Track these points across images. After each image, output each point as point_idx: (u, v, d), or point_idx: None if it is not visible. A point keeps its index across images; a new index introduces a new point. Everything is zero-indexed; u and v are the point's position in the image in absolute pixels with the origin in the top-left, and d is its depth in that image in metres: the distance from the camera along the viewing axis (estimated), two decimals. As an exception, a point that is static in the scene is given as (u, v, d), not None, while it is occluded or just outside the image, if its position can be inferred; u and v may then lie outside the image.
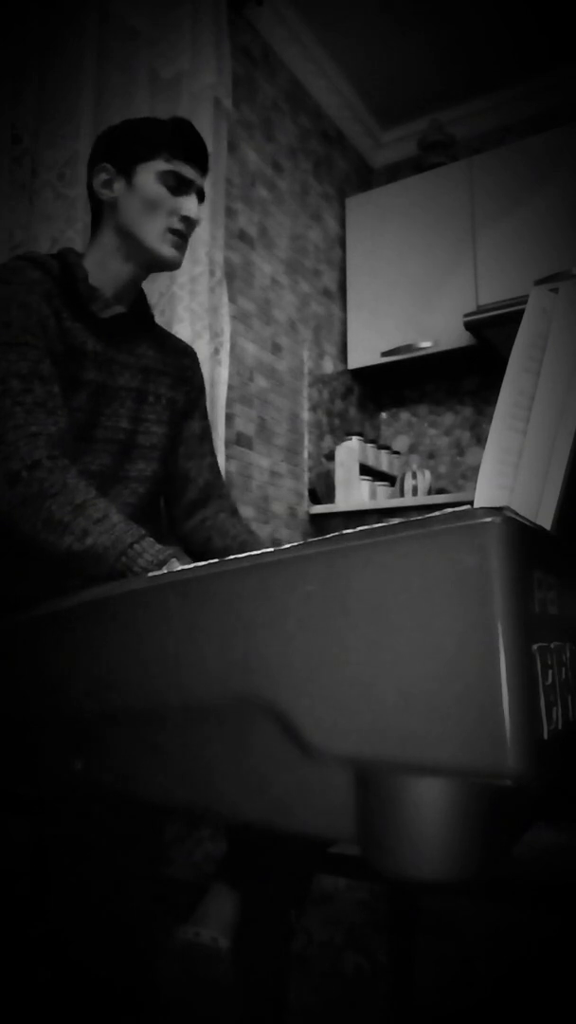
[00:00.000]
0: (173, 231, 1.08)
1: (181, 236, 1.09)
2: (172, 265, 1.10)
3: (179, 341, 1.28)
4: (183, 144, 1.08)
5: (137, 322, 1.16)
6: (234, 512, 1.26)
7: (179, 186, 1.07)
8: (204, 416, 1.29)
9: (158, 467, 1.16)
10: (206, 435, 1.28)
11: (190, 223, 1.09)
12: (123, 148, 1.08)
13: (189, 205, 1.08)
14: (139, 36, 1.83)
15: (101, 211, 1.11)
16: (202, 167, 1.11)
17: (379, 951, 1.37)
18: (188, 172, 1.08)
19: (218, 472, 1.29)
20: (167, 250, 1.08)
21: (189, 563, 0.79)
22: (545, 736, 0.43)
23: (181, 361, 1.24)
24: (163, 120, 1.11)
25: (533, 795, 0.55)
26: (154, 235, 1.07)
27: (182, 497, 1.24)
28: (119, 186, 1.08)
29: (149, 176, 1.06)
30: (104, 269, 1.09)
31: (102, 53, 1.71)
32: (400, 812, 0.45)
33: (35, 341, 0.96)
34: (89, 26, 1.67)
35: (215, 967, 0.85)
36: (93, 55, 1.67)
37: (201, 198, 1.11)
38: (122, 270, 1.10)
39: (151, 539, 0.85)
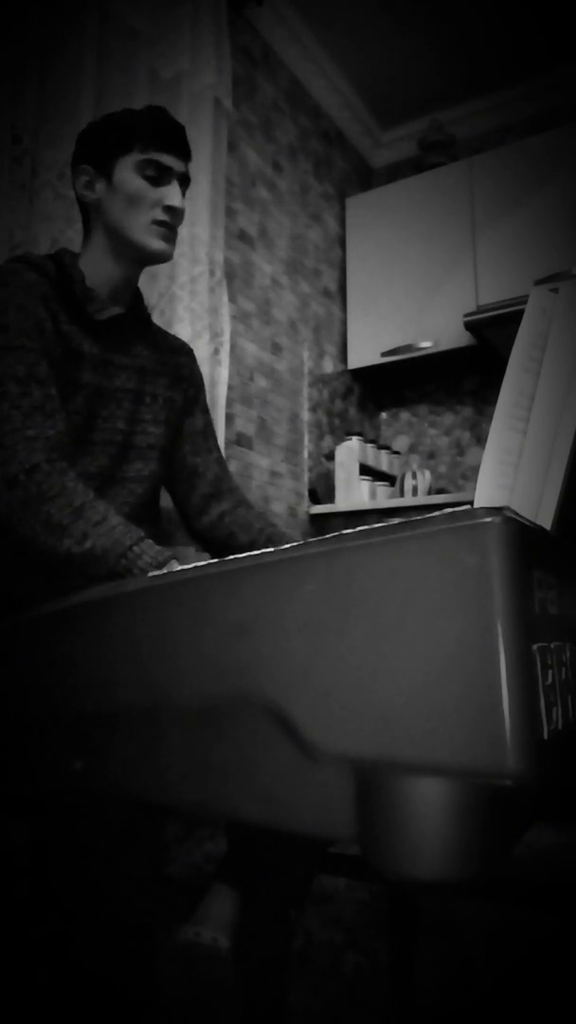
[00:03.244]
0: (159, 223, 1.05)
1: (168, 227, 1.07)
2: (162, 258, 1.09)
3: (175, 339, 1.28)
4: (158, 132, 1.05)
5: (134, 322, 1.15)
6: (248, 505, 1.26)
7: (159, 176, 1.05)
8: (205, 411, 1.28)
9: (156, 467, 1.15)
10: (209, 430, 1.28)
11: (175, 213, 1.06)
12: (99, 146, 1.07)
13: (172, 194, 1.05)
14: (139, 36, 1.83)
15: (88, 213, 1.10)
16: (181, 153, 1.08)
17: (379, 951, 1.37)
18: (166, 160, 1.05)
19: (225, 466, 1.28)
20: (155, 243, 1.06)
21: (189, 563, 0.79)
22: (545, 736, 0.43)
23: (178, 359, 1.23)
24: (136, 110, 1.09)
25: (533, 795, 0.55)
26: (140, 230, 1.05)
27: (193, 493, 1.23)
28: (100, 186, 1.07)
29: (127, 171, 1.05)
30: (98, 270, 1.08)
31: (102, 53, 1.71)
32: (400, 812, 0.45)
33: (32, 344, 0.96)
34: (89, 26, 1.67)
35: (215, 967, 0.85)
36: (93, 55, 1.67)
37: (185, 184, 1.09)
38: (115, 270, 1.09)
39: (150, 541, 0.85)
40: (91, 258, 1.09)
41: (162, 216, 1.05)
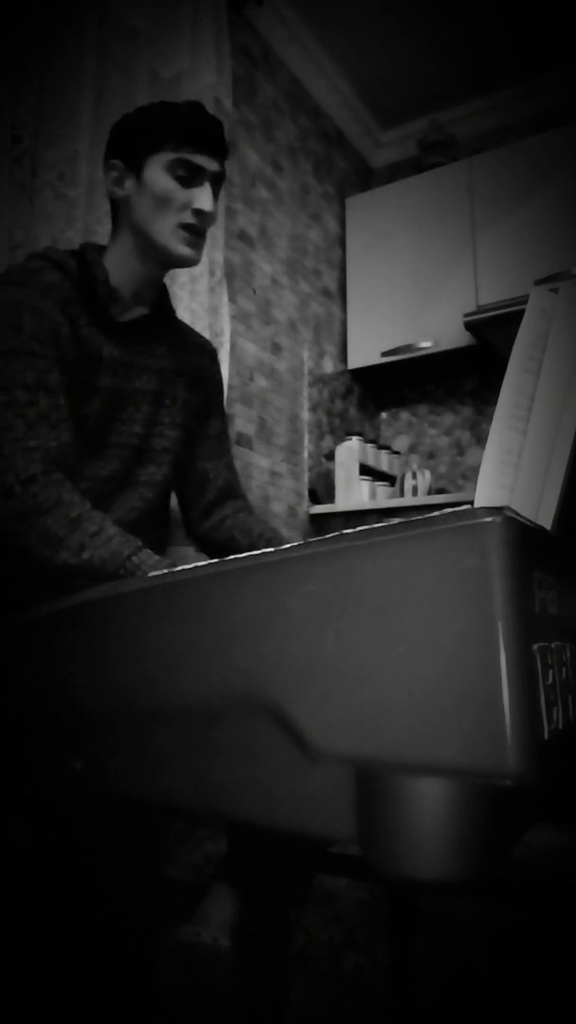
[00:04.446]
0: (186, 226, 1.02)
1: (196, 232, 1.03)
2: (189, 263, 1.05)
3: (199, 338, 1.25)
4: (192, 130, 1.01)
5: (157, 323, 1.13)
6: (250, 509, 1.26)
7: (190, 176, 1.01)
8: (222, 415, 1.26)
9: (168, 471, 1.14)
10: (224, 434, 1.26)
11: (204, 216, 1.02)
12: (131, 142, 1.03)
13: (202, 197, 1.01)
14: (139, 36, 1.83)
15: (117, 209, 1.07)
16: (216, 153, 1.03)
17: (379, 951, 1.37)
18: (199, 160, 1.01)
19: (234, 470, 1.27)
20: (181, 248, 1.03)
21: (188, 563, 0.78)
22: (545, 736, 0.43)
23: (201, 361, 1.21)
24: (174, 105, 1.05)
25: (533, 795, 0.55)
26: (166, 233, 1.02)
27: (200, 498, 1.22)
28: (130, 183, 1.03)
29: (158, 169, 1.01)
30: (123, 268, 1.06)
31: (102, 53, 1.71)
32: (400, 812, 0.45)
33: (44, 350, 0.94)
34: (89, 26, 1.67)
35: (216, 967, 0.85)
36: (93, 55, 1.67)
37: (219, 184, 1.05)
38: (139, 269, 1.06)
39: (148, 550, 0.84)
40: (117, 255, 1.06)
41: (190, 219, 1.02)
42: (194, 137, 1.01)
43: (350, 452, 2.73)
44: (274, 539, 1.19)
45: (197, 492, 1.22)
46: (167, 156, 1.01)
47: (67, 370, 0.98)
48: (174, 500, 1.25)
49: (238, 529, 1.21)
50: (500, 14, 2.68)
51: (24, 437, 0.88)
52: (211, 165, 1.03)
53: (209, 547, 1.23)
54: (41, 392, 0.92)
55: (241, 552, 1.20)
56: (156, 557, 0.83)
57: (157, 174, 1.01)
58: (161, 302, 1.14)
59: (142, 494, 1.10)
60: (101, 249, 1.08)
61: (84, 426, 1.01)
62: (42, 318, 0.95)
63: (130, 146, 1.03)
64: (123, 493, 1.08)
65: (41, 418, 0.90)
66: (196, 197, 1.02)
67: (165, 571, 0.79)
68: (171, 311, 1.18)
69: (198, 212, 1.02)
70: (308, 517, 2.69)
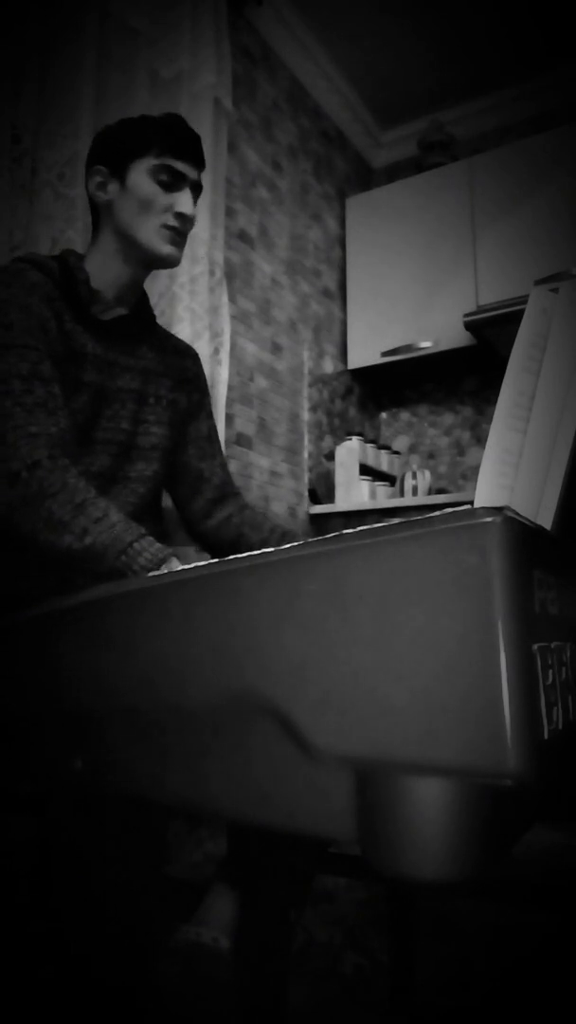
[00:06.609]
0: (168, 228, 1.07)
1: (178, 233, 1.08)
2: (171, 262, 1.10)
3: (180, 342, 1.28)
4: (173, 138, 1.07)
5: (138, 324, 1.16)
6: (252, 508, 1.27)
7: (172, 182, 1.06)
8: (210, 416, 1.29)
9: (158, 467, 1.16)
10: (213, 435, 1.28)
11: (185, 220, 1.08)
12: (114, 148, 1.08)
13: (183, 201, 1.07)
14: (139, 36, 1.83)
15: (99, 213, 1.11)
16: (195, 161, 1.09)
17: (379, 951, 1.37)
18: (180, 167, 1.07)
19: (227, 470, 1.29)
20: (165, 247, 1.07)
21: (189, 563, 0.79)
22: (545, 736, 0.43)
23: (182, 362, 1.24)
24: (154, 116, 1.10)
25: (533, 795, 0.55)
26: (150, 233, 1.06)
27: (199, 497, 1.24)
28: (113, 188, 1.08)
29: (141, 175, 1.06)
30: (105, 271, 1.09)
31: (102, 53, 1.71)
32: (400, 812, 0.45)
33: (35, 343, 0.96)
34: (89, 26, 1.67)
35: (216, 967, 0.85)
36: (93, 55, 1.67)
37: (197, 193, 1.10)
38: (122, 271, 1.10)
39: (150, 538, 0.85)
40: (98, 258, 1.10)
41: (172, 222, 1.07)
42: (176, 145, 1.07)
43: (350, 452, 2.73)
44: (288, 533, 1.20)
45: (193, 492, 1.24)
46: (150, 162, 1.06)
47: (57, 364, 1.00)
48: (166, 499, 1.26)
49: (248, 525, 1.22)
50: (500, 14, 2.68)
51: (25, 424, 0.90)
52: (191, 173, 1.09)
53: (215, 545, 1.24)
54: (36, 382, 0.94)
55: (252, 548, 1.21)
56: (158, 545, 0.84)
57: (141, 179, 1.06)
58: (141, 305, 1.18)
59: (134, 489, 1.12)
60: (81, 256, 1.11)
61: (73, 420, 1.02)
62: (30, 314, 0.98)
63: (114, 152, 1.08)
64: (114, 488, 1.10)
65: (38, 406, 0.92)
66: (177, 201, 1.07)
67: (164, 570, 0.80)
68: (151, 315, 1.21)
69: (180, 216, 1.07)
70: (308, 517, 2.69)
